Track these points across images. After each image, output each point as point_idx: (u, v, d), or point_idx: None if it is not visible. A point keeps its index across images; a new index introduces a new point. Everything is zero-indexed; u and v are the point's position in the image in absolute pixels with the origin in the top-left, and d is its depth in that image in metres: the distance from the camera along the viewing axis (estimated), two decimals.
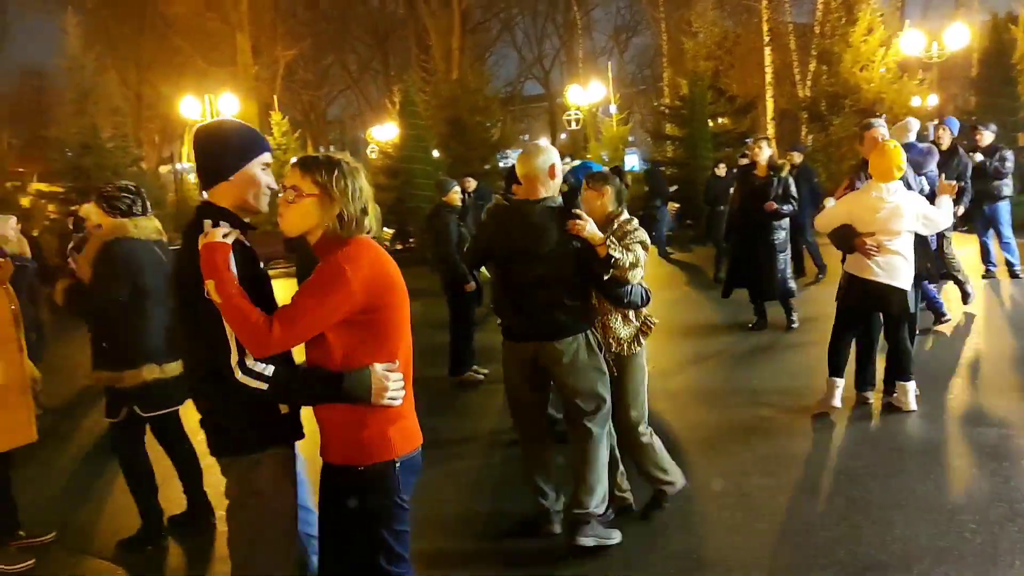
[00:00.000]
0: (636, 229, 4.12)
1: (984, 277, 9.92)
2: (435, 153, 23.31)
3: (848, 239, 5.44)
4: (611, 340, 4.16)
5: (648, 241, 4.12)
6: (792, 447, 5.23)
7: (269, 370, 2.45)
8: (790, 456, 5.07)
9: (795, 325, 8.40)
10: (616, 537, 3.98)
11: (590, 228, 3.79)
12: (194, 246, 2.51)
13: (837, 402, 5.65)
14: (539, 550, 4.07)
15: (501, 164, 24.32)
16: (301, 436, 2.72)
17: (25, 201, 21.55)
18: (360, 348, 2.49)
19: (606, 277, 3.84)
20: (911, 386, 5.58)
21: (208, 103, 23.39)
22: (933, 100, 26.92)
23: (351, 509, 2.53)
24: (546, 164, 3.90)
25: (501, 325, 4.18)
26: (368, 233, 2.57)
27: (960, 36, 22.07)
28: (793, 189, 8.19)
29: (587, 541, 3.87)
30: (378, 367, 2.49)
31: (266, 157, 2.74)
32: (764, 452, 5.14)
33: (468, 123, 24.03)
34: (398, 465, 2.54)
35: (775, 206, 8.00)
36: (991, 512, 4.02)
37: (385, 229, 18.87)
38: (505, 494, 4.91)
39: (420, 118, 22.23)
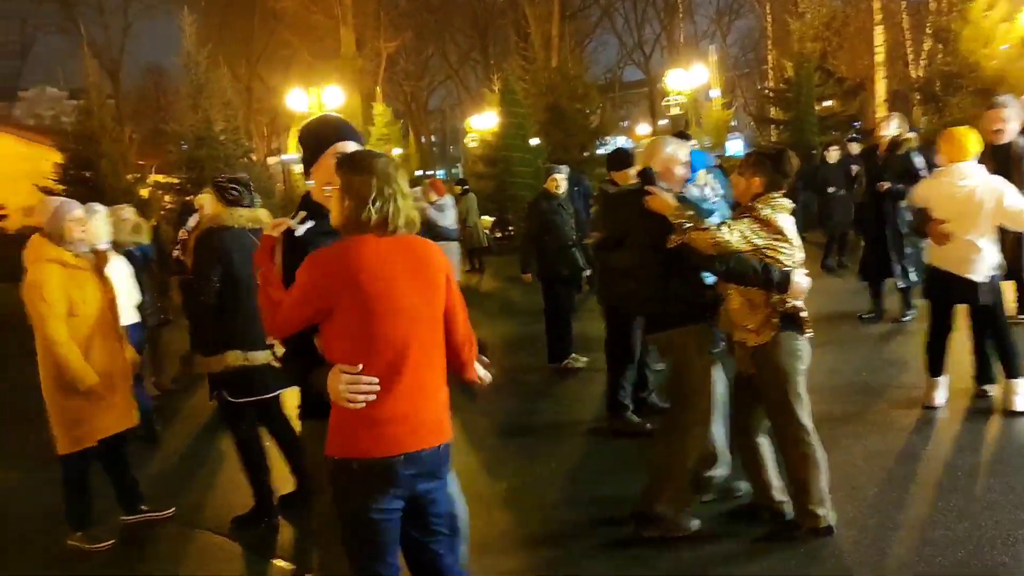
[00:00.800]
0: (759, 211, 3.82)
1: None
2: (534, 141, 23.33)
3: (923, 225, 5.16)
4: (738, 331, 3.97)
5: (782, 226, 3.82)
6: (905, 442, 5.02)
7: (279, 350, 2.74)
8: (903, 451, 4.88)
9: (907, 317, 8.05)
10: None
11: (661, 198, 3.80)
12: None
13: (939, 401, 5.39)
14: (635, 537, 4.03)
15: (600, 151, 24.14)
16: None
17: (144, 192, 22.55)
18: (335, 345, 2.55)
19: (670, 244, 3.77)
20: (1018, 384, 5.24)
21: (314, 96, 24.01)
22: None
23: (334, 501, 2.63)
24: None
25: None
26: (395, 230, 2.56)
27: None
28: (920, 162, 7.62)
29: None
30: (337, 367, 2.50)
31: (340, 147, 2.81)
32: (876, 447, 4.97)
33: (567, 110, 23.93)
34: (355, 465, 2.51)
35: (886, 186, 7.68)
36: None
37: (484, 217, 19.00)
38: (604, 480, 4.90)
39: (519, 106, 22.28)
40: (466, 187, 17.91)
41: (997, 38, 22.48)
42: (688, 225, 3.70)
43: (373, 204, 2.51)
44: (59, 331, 4.31)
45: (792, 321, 3.84)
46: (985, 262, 5.06)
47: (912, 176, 7.57)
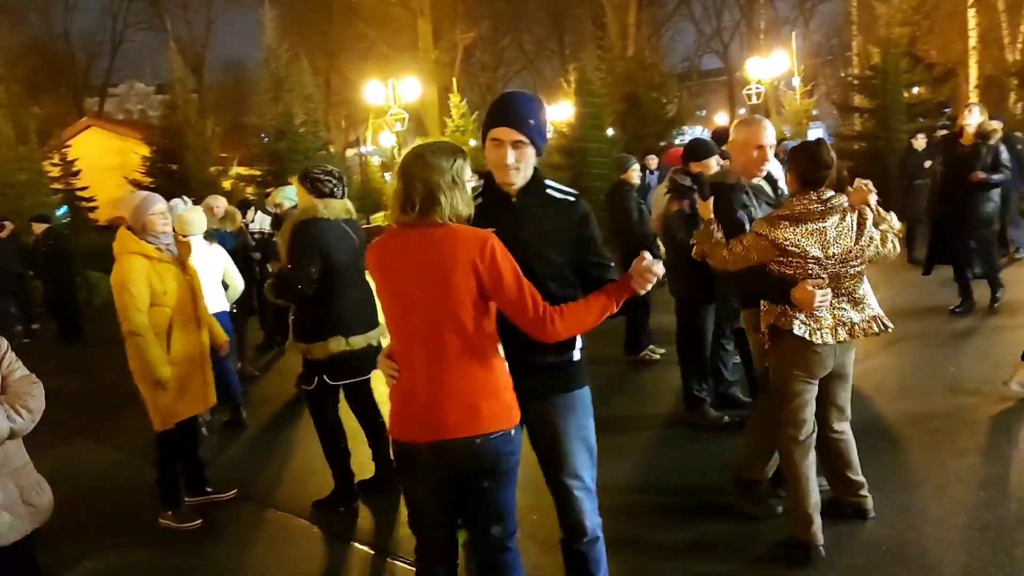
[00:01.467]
0: (760, 226, 3.72)
1: None
2: (610, 132, 23.17)
3: None
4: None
5: (782, 242, 3.66)
6: (995, 440, 4.85)
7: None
8: (993, 449, 4.72)
9: (998, 304, 7.78)
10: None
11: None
12: None
13: None
14: (714, 531, 4.00)
15: (677, 141, 23.86)
16: None
17: (227, 184, 23.17)
18: None
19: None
20: None
21: (391, 88, 24.29)
22: None
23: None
24: None
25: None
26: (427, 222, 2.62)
27: None
28: (1005, 157, 7.55)
29: None
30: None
31: (495, 132, 2.76)
32: (964, 444, 4.82)
33: (644, 100, 23.71)
34: (394, 446, 2.76)
35: (982, 176, 7.43)
36: None
37: None
38: (679, 473, 4.88)
39: (595, 96, 22.14)
40: None
41: None
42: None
43: (406, 197, 2.60)
44: (140, 322, 4.51)
45: (788, 330, 3.62)
46: None
47: (999, 167, 7.37)
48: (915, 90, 23.83)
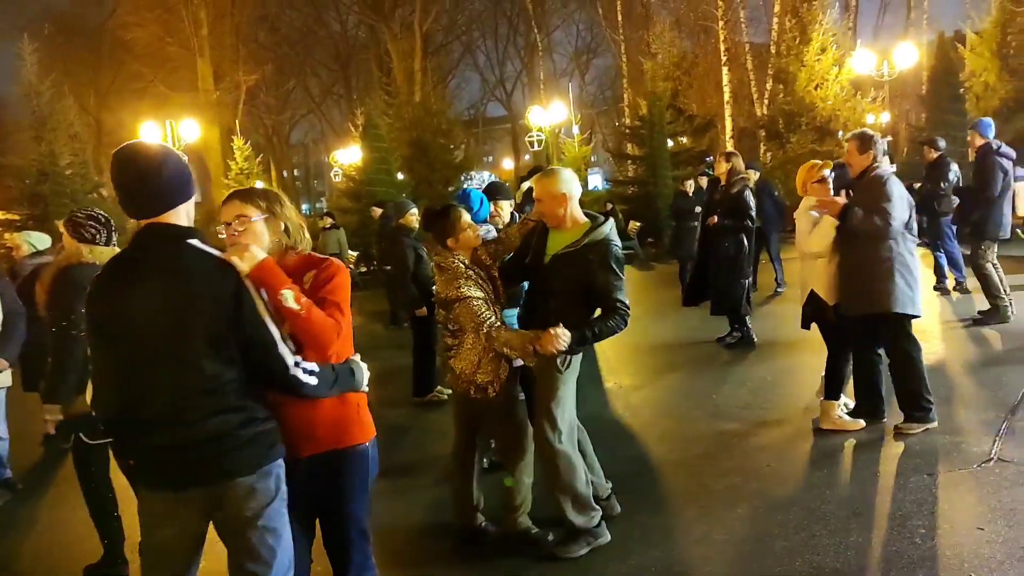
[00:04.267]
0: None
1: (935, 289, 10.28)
2: (399, 176, 23.37)
3: None
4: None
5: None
6: (754, 460, 5.32)
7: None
8: (751, 469, 5.16)
9: (731, 341, 8.59)
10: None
11: None
12: None
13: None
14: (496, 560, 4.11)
15: (465, 186, 24.43)
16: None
17: None
18: (346, 341, 2.87)
19: None
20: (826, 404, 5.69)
21: (170, 129, 23.26)
22: (887, 117, 27.57)
23: (350, 485, 2.99)
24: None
25: None
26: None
27: (909, 55, 22.69)
28: (747, 203, 8.22)
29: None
30: (356, 357, 2.94)
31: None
32: (726, 465, 5.23)
33: (431, 145, 24.15)
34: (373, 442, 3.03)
35: (715, 220, 8.19)
36: (943, 516, 4.15)
37: (350, 252, 18.84)
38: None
39: (383, 141, 22.32)
40: (334, 222, 17.70)
41: (830, 80, 24.23)
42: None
43: (292, 229, 2.83)
44: None
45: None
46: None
47: (738, 212, 8.08)
48: (680, 139, 25.83)
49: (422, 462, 6.03)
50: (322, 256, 2.94)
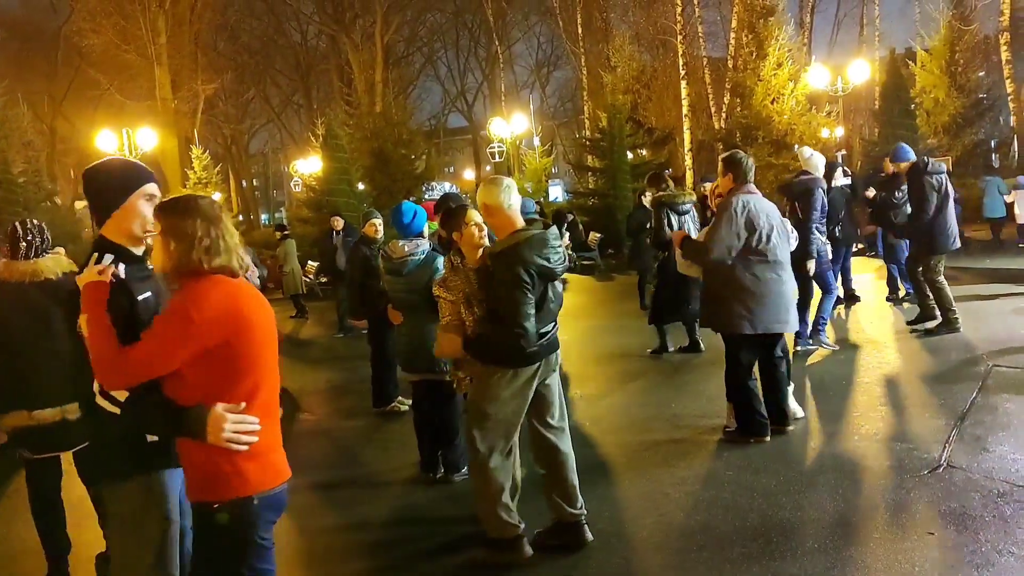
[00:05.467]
0: None
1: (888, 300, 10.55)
2: (360, 186, 23.29)
3: None
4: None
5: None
6: (711, 466, 5.39)
7: (123, 396, 2.60)
8: (708, 475, 5.23)
9: (670, 348, 8.78)
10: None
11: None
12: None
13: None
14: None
15: (427, 196, 24.44)
16: (174, 465, 2.74)
17: None
18: (213, 385, 2.52)
19: None
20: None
21: (126, 136, 22.95)
22: (841, 131, 28.11)
23: (212, 546, 2.59)
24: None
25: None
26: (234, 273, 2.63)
27: (862, 71, 23.20)
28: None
29: None
30: (218, 407, 2.49)
31: (149, 188, 2.86)
32: (683, 473, 5.29)
33: (392, 156, 24.12)
34: (256, 501, 2.55)
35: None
36: (894, 522, 4.24)
37: (309, 263, 18.73)
38: (431, 521, 4.96)
39: (343, 151, 22.24)
40: (286, 233, 17.76)
41: (786, 95, 24.66)
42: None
43: (200, 245, 2.53)
44: None
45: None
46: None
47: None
48: (640, 152, 26.09)
49: (384, 472, 6.02)
50: (206, 282, 2.55)
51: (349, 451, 6.80)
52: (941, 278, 8.40)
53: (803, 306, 7.90)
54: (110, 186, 2.85)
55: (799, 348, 8.10)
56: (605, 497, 4.99)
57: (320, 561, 4.59)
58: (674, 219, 8.41)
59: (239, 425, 2.49)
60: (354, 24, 36.96)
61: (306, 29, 42.48)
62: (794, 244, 6.04)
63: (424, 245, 5.46)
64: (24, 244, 4.30)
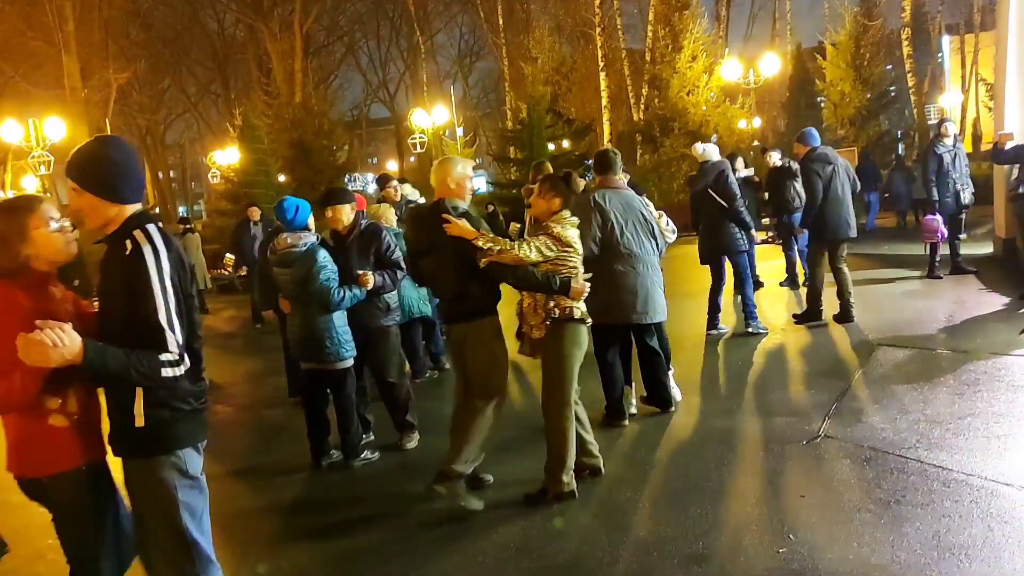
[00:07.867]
0: (552, 228, 4.56)
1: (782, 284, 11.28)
2: (280, 177, 23.09)
3: None
4: (526, 325, 4.78)
5: (571, 239, 4.57)
6: (603, 445, 5.67)
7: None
8: (604, 452, 5.51)
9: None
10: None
11: (459, 226, 4.42)
12: None
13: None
14: (398, 546, 4.32)
15: (350, 187, 24.32)
16: (102, 454, 2.91)
17: None
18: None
19: (481, 265, 4.43)
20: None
21: (32, 127, 22.24)
22: (758, 122, 28.99)
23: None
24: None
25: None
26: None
27: (773, 64, 23.96)
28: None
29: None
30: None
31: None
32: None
33: (313, 146, 23.98)
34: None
35: None
36: (770, 487, 4.61)
37: (228, 256, 18.50)
38: (333, 511, 5.16)
39: (261, 142, 22.01)
40: (188, 227, 17.50)
41: (701, 87, 25.31)
42: (496, 248, 4.37)
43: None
44: None
45: (570, 317, 4.57)
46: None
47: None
48: (561, 143, 26.44)
49: (297, 457, 6.15)
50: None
51: (265, 439, 6.91)
52: (843, 265, 8.73)
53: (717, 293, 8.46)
54: None
55: (712, 332, 8.58)
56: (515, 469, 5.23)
57: (239, 542, 4.72)
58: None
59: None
60: (272, 12, 36.42)
61: (223, 17, 41.72)
62: (671, 238, 6.25)
63: (308, 238, 5.57)
64: None
